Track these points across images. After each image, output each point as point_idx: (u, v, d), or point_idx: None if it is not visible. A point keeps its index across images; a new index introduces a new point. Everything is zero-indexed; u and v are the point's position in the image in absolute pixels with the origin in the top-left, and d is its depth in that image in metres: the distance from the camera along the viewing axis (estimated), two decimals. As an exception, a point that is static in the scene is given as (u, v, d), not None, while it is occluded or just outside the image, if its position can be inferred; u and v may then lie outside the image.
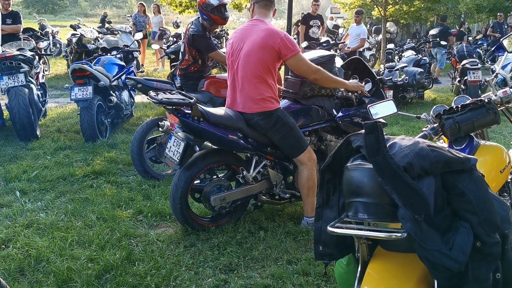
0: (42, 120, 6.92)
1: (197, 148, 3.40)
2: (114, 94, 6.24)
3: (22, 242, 3.30)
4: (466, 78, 8.77)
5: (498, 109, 2.57)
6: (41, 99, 6.48)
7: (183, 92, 3.46)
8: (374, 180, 1.52)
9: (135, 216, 3.87)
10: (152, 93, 3.27)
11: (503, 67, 9.69)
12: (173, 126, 3.38)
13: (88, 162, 5.15)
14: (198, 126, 3.29)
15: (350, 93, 3.96)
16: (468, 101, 2.62)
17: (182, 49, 5.24)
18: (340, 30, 13.14)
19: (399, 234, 1.45)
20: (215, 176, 3.66)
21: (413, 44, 12.98)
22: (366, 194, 1.54)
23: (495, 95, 2.63)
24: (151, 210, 3.91)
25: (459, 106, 2.53)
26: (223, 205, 3.53)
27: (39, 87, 6.58)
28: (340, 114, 3.92)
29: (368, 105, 2.74)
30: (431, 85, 9.45)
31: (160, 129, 4.52)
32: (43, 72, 7.13)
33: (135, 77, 4.89)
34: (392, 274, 1.65)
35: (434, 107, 2.86)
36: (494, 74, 3.31)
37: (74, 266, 2.99)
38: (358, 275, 1.73)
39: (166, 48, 7.96)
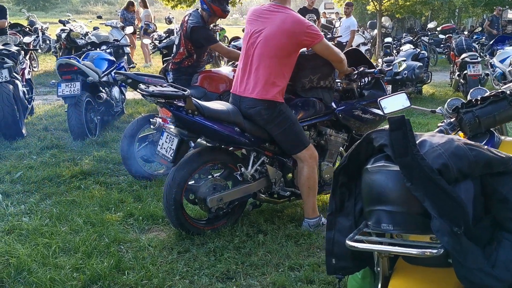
0: (29, 118, 6.63)
1: (192, 144, 3.16)
2: (104, 90, 5.97)
3: (2, 250, 3.04)
4: (465, 72, 8.57)
5: None
6: (27, 96, 6.20)
7: (176, 85, 3.23)
8: (401, 185, 1.29)
9: (125, 219, 3.62)
10: (142, 86, 3.03)
11: (502, 61, 9.52)
12: (166, 121, 3.14)
13: (76, 161, 4.90)
14: (192, 120, 3.06)
15: (352, 83, 3.75)
16: (487, 94, 2.40)
17: (176, 42, 5.00)
18: (337, 24, 12.92)
19: (434, 251, 1.22)
20: (210, 176, 3.43)
21: (411, 38, 12.76)
22: (391, 201, 1.31)
23: (518, 86, 2.41)
24: (142, 213, 3.67)
25: (479, 99, 2.31)
26: (220, 206, 3.30)
27: (24, 83, 6.29)
28: (340, 107, 3.70)
29: (379, 99, 2.51)
30: (429, 80, 9.25)
31: (151, 126, 4.29)
32: (30, 68, 6.83)
33: (125, 71, 4.65)
34: (419, 293, 1.43)
35: (449, 100, 2.65)
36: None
37: (57, 277, 2.74)
38: (378, 292, 1.50)
39: (158, 43, 7.70)
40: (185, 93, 3.00)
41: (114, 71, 6.38)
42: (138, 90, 3.05)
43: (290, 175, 3.61)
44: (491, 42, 11.03)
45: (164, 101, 3.02)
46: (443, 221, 1.20)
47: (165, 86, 3.14)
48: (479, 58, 8.53)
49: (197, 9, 4.96)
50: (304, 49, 3.38)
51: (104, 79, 6.10)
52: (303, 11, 9.93)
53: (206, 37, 4.81)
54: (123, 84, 6.66)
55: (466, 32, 17.33)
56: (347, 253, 1.57)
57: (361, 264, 1.62)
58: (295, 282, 2.82)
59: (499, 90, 2.32)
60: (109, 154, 5.15)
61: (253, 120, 3.28)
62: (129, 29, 8.00)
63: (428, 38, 14.83)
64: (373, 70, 3.70)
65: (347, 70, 3.60)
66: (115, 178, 4.54)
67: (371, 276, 1.71)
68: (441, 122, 2.37)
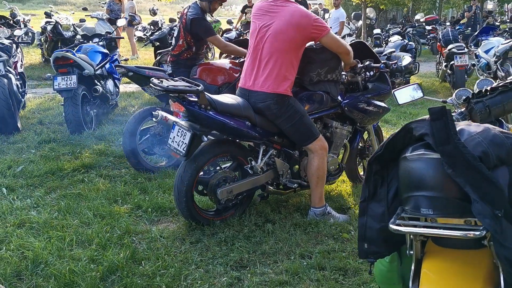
0: (22, 112, 6.57)
1: (205, 138, 3.20)
2: (99, 83, 5.95)
3: (16, 244, 3.06)
4: (452, 62, 8.73)
5: None
6: (20, 90, 6.14)
7: (188, 79, 3.26)
8: (441, 172, 1.37)
9: (134, 211, 3.66)
10: (155, 80, 3.05)
11: (486, 52, 9.71)
12: (178, 114, 3.18)
13: (76, 155, 4.89)
14: (206, 115, 3.10)
15: (357, 76, 3.83)
16: (495, 84, 2.51)
17: (175, 34, 5.02)
18: (326, 16, 12.99)
19: (477, 233, 1.30)
20: (218, 167, 3.48)
21: (399, 29, 12.91)
22: (431, 187, 1.39)
23: (525, 77, 2.52)
24: (150, 204, 3.70)
25: (488, 89, 2.41)
26: (230, 197, 3.37)
27: (18, 77, 6.23)
28: (345, 100, 3.78)
29: (393, 90, 2.60)
30: (417, 70, 9.40)
31: (154, 119, 4.31)
32: (21, 61, 6.74)
33: (125, 65, 4.64)
34: (453, 274, 1.51)
35: (457, 91, 2.75)
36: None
37: (76, 268, 2.78)
38: (412, 274, 1.58)
39: (149, 35, 7.67)
40: (199, 88, 3.04)
41: (108, 64, 6.38)
42: (151, 84, 3.08)
43: (296, 166, 3.68)
44: (476, 33, 11.24)
45: (177, 95, 3.05)
46: (485, 205, 1.29)
47: (177, 80, 3.18)
48: (465, 49, 8.69)
49: (196, 2, 4.99)
50: (312, 42, 3.45)
51: (98, 72, 6.07)
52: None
53: (205, 29, 4.84)
54: (119, 77, 6.66)
55: (448, 23, 17.60)
56: (379, 237, 1.65)
57: (392, 248, 1.70)
58: (307, 269, 2.90)
59: (508, 81, 2.43)
60: (108, 147, 5.16)
61: (263, 114, 3.33)
62: (121, 22, 7.94)
63: (412, 29, 15.03)
64: (379, 64, 3.77)
65: (353, 63, 3.68)
66: (117, 171, 4.56)
67: (398, 259, 1.79)
68: (453, 112, 2.47)
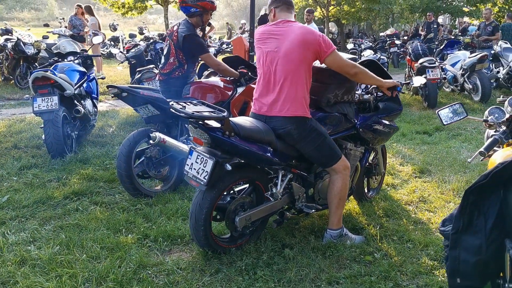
0: (-9, 135, 6.17)
1: (229, 167, 3.00)
2: (80, 104, 5.65)
3: (23, 285, 2.77)
4: (424, 76, 8.91)
5: None
6: (-8, 112, 5.76)
7: (210, 104, 3.10)
8: None
9: (141, 241, 3.43)
10: (176, 105, 2.87)
11: (453, 65, 10.02)
12: (198, 141, 3.00)
13: (63, 181, 4.58)
14: (230, 142, 2.93)
15: (368, 95, 3.77)
16: (533, 102, 2.50)
17: (165, 52, 4.82)
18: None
19: None
20: (232, 192, 3.32)
21: (371, 44, 13.14)
22: None
23: None
24: (157, 233, 3.49)
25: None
26: (247, 224, 3.21)
27: (-10, 98, 5.85)
28: (359, 121, 3.70)
29: (437, 110, 2.54)
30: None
31: (151, 141, 4.12)
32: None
33: (119, 85, 4.40)
34: None
35: (489, 109, 2.72)
36: None
37: (97, 310, 2.55)
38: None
39: (126, 52, 7.43)
40: (225, 114, 2.88)
41: (86, 83, 6.10)
42: (171, 109, 2.89)
43: (311, 190, 3.56)
44: (441, 47, 11.58)
45: (201, 122, 2.88)
46: None
47: (197, 105, 3.01)
48: (436, 62, 8.90)
49: (186, 19, 4.84)
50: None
51: (77, 91, 5.78)
52: (265, 18, 9.93)
53: (198, 46, 4.69)
54: (96, 96, 6.38)
55: (406, 37, 18.13)
56: (474, 271, 1.56)
57: (485, 280, 1.61)
58: (339, 297, 2.79)
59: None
60: (95, 171, 4.88)
61: (283, 139, 3.21)
62: (97, 39, 7.63)
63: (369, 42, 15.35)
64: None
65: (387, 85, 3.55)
66: (111, 197, 4.30)
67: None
68: (495, 132, 2.43)
